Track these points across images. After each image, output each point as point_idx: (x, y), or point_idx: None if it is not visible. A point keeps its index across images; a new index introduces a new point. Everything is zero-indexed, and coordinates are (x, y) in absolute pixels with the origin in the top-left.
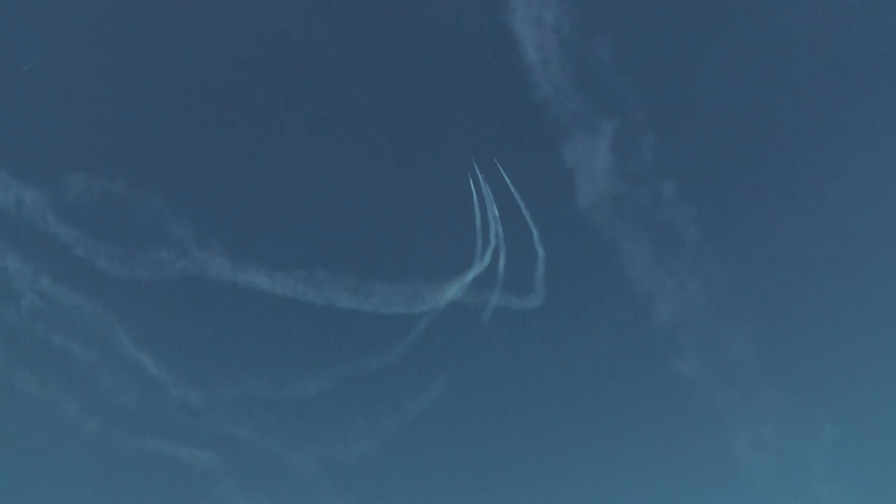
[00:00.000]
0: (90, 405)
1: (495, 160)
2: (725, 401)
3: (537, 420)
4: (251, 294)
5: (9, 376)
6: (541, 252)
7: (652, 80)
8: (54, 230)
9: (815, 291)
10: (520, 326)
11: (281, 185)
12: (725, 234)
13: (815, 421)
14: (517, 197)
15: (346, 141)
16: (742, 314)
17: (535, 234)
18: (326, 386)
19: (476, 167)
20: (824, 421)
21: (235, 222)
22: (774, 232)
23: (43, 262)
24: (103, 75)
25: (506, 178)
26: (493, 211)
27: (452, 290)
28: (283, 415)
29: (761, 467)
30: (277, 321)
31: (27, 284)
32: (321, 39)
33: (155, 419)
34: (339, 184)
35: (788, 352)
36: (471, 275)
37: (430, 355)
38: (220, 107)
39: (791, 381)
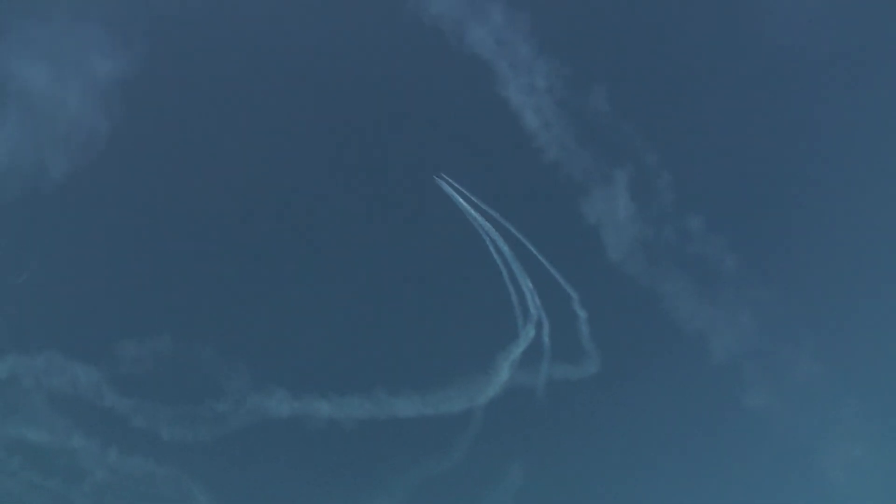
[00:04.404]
0: None
1: (517, 233)
2: (808, 426)
3: (624, 487)
4: (314, 425)
5: None
6: (583, 314)
7: (654, 120)
8: (111, 403)
9: (873, 293)
10: (581, 394)
11: (324, 317)
12: (764, 256)
13: None
14: (547, 264)
15: (370, 250)
16: (801, 332)
17: (575, 296)
18: (403, 498)
19: (500, 244)
20: None
21: (285, 360)
22: (814, 243)
23: (107, 436)
24: (129, 240)
25: (531, 248)
26: (527, 283)
27: (506, 373)
28: None
29: (862, 489)
30: (345, 445)
31: (95, 461)
32: (328, 179)
33: None
34: (377, 297)
35: (860, 362)
36: (519, 351)
37: (499, 445)
38: (242, 248)
39: (871, 391)
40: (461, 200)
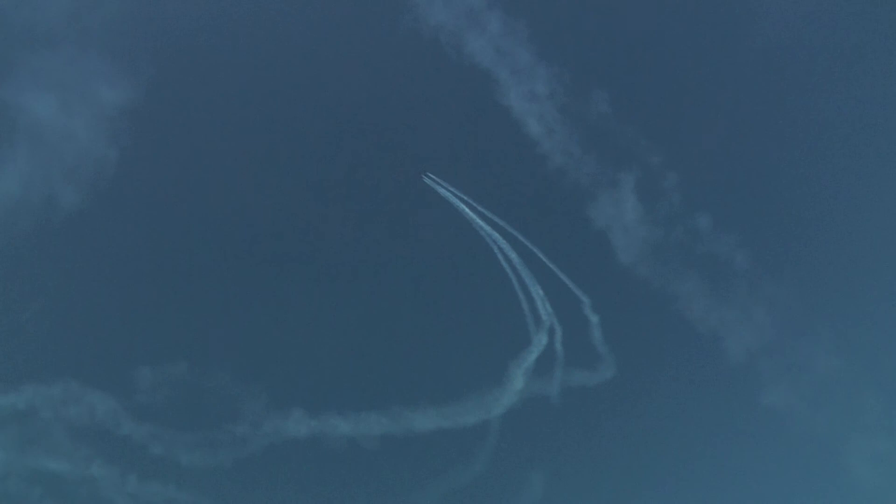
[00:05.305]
0: None
1: (524, 240)
2: (829, 422)
3: (646, 489)
4: (333, 444)
5: None
6: (596, 319)
7: (657, 121)
8: (129, 430)
9: (887, 284)
10: (597, 399)
11: (337, 335)
12: (775, 251)
13: None
14: (556, 270)
15: (379, 265)
16: (817, 327)
17: (586, 301)
18: None
19: (508, 251)
20: None
21: (300, 380)
22: (824, 235)
23: (126, 464)
24: (141, 267)
25: (539, 254)
26: (537, 290)
27: (520, 381)
28: None
29: (890, 482)
30: (365, 461)
31: (115, 489)
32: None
33: None
34: (389, 311)
35: (878, 353)
36: (532, 359)
37: (519, 454)
38: (252, 270)
39: (892, 382)
40: (468, 210)
